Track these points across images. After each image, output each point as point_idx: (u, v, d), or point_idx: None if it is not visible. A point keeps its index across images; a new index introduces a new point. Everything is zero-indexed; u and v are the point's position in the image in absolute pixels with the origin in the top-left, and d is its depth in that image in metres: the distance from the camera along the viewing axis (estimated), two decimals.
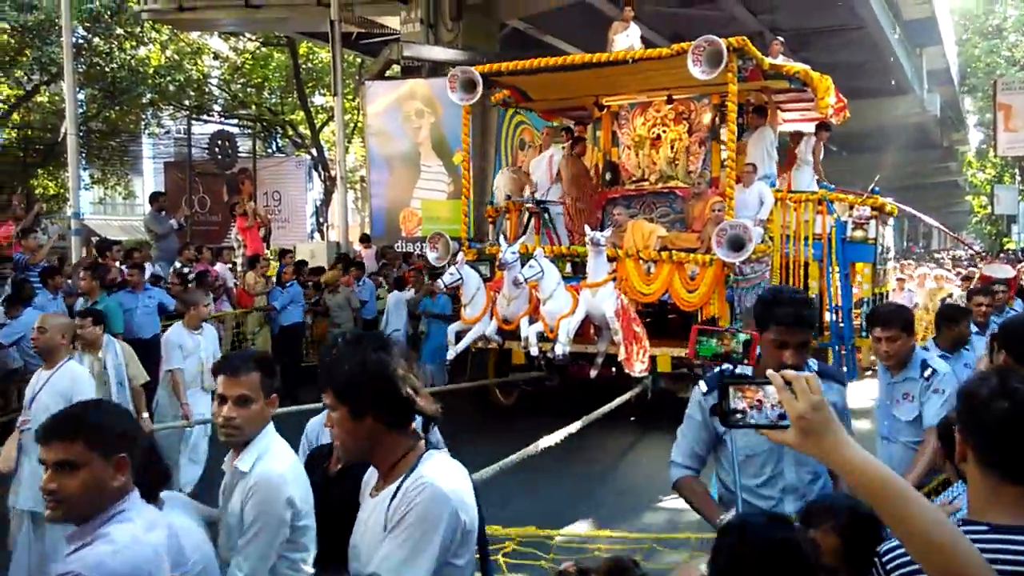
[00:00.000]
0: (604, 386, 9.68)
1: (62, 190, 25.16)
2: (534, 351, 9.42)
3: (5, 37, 23.44)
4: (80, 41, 23.69)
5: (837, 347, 11.22)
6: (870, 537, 2.37)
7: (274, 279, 13.27)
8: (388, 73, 19.16)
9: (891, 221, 13.34)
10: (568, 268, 10.55)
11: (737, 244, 9.28)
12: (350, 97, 27.15)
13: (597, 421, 8.45)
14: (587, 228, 9.56)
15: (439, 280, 9.81)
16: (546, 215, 11.19)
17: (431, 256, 10.43)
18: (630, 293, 9.89)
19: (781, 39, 13.13)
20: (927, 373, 4.65)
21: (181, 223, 15.15)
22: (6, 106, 25.05)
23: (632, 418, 10.68)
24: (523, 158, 12.75)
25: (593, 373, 9.78)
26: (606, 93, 12.02)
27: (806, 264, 11.14)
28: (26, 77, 24.73)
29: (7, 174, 24.15)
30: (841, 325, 11.29)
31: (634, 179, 12.03)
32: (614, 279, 9.72)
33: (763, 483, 3.39)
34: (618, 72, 10.58)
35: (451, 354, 9.86)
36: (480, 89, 10.30)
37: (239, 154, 22.54)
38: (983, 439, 1.91)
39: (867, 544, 2.29)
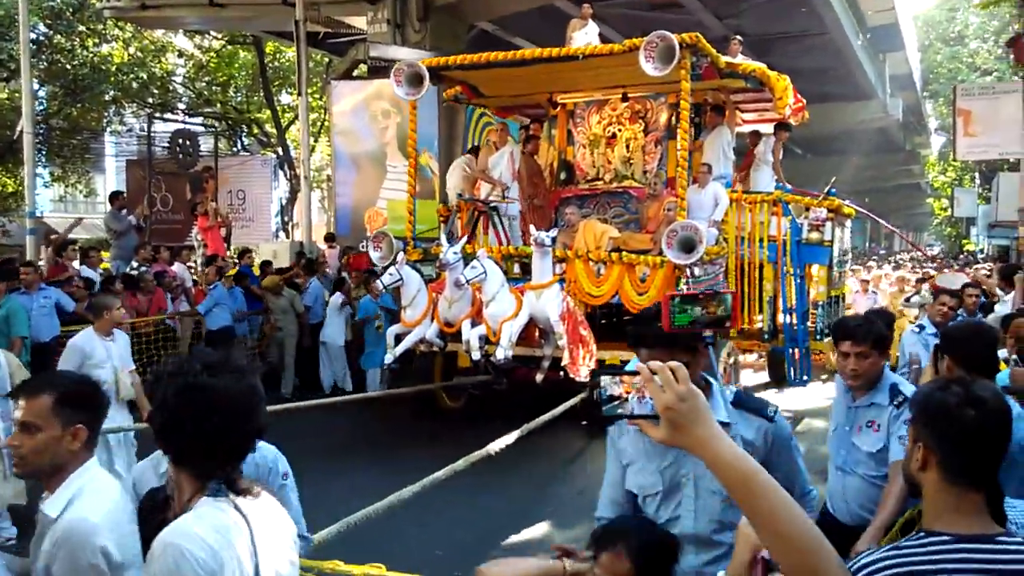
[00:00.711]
0: (554, 390, 9.20)
1: (21, 187, 24.40)
2: (476, 355, 8.91)
3: None
4: (41, 38, 23.08)
5: (791, 350, 10.78)
6: (662, 562, 2.37)
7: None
8: (355, 73, 18.64)
9: (848, 223, 12.91)
10: (516, 269, 10.03)
11: (688, 246, 8.82)
12: (317, 96, 26.52)
13: (549, 425, 8.05)
14: (532, 228, 9.06)
15: (378, 281, 9.23)
16: (495, 214, 10.66)
17: (374, 256, 9.88)
18: (579, 295, 9.40)
19: (740, 38, 12.68)
20: (898, 400, 3.96)
21: (140, 223, 14.66)
22: None
23: (584, 422, 10.22)
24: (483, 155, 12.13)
25: (539, 378, 9.29)
26: (560, 90, 11.53)
27: (761, 266, 10.69)
28: None
29: None
30: (795, 328, 10.85)
31: (588, 178, 11.54)
32: (560, 281, 9.24)
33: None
34: (571, 69, 10.08)
35: (389, 357, 9.31)
36: (427, 84, 9.76)
37: (201, 153, 21.91)
38: (950, 448, 1.90)
39: (658, 569, 2.31)
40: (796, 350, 10.85)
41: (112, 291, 10.94)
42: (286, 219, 28.95)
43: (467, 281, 8.68)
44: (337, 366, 12.23)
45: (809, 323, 11.30)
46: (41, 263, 15.45)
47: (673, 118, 11.00)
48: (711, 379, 2.89)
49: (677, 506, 2.84)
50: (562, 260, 9.47)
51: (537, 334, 9.19)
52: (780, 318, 11.02)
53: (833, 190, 11.64)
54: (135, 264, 12.64)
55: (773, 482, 1.70)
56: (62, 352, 8.92)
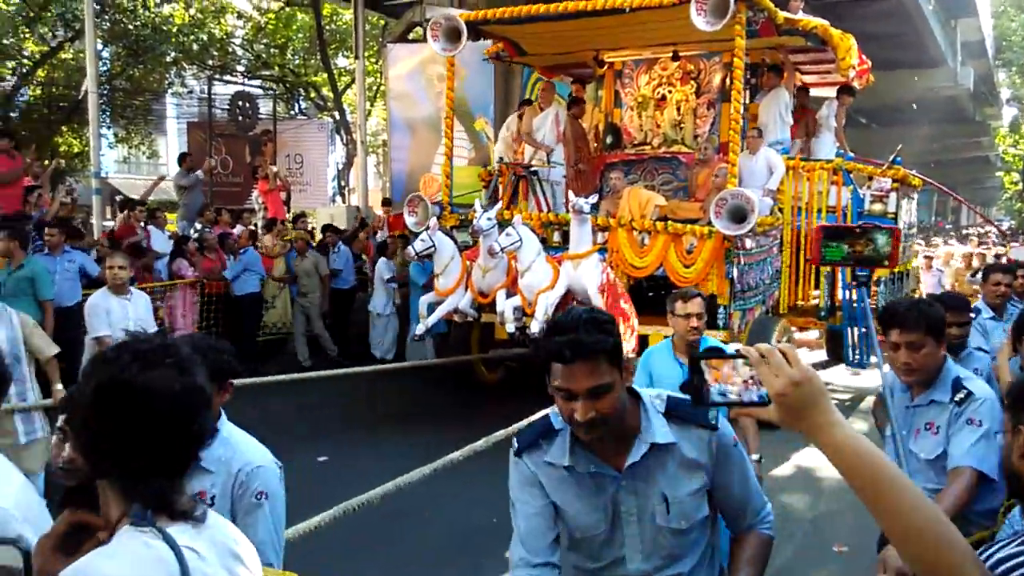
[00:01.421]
0: None
1: (86, 148, 24.29)
2: (511, 327, 8.24)
3: None
4: None
5: (850, 329, 9.91)
6: None
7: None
8: (411, 36, 17.99)
9: (915, 195, 11.89)
10: (557, 237, 9.29)
11: (739, 215, 8.04)
12: (373, 60, 25.92)
13: None
14: (570, 194, 8.32)
15: (409, 247, 8.57)
16: (535, 179, 9.92)
17: (409, 221, 9.22)
18: (622, 266, 8.67)
19: None
20: (960, 395, 3.24)
21: (207, 179, 14.85)
22: (30, 62, 24.05)
23: None
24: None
25: None
26: (607, 48, 10.67)
27: None
28: (50, 33, 23.70)
29: (32, 131, 23.17)
30: (855, 306, 9.97)
31: (636, 143, 10.73)
32: (601, 251, 8.52)
33: (600, 568, 2.35)
34: (618, 24, 9.24)
35: (420, 328, 8.66)
36: (464, 39, 9.03)
37: (260, 116, 21.54)
38: None
39: None
40: (855, 329, 9.97)
41: (184, 251, 10.93)
42: (343, 184, 28.46)
43: (501, 249, 7.99)
44: (376, 336, 11.59)
45: (870, 300, 10.43)
46: (111, 223, 15.49)
47: (728, 79, 10.14)
48: (640, 393, 2.28)
49: (621, 546, 2.31)
50: (604, 229, 8.75)
51: (576, 307, 8.48)
52: (839, 294, 10.17)
53: (899, 159, 10.65)
54: (198, 226, 12.48)
55: (899, 472, 1.51)
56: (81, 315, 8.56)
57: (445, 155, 9.78)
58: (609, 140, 10.93)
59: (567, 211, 9.44)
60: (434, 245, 8.40)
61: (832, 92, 11.40)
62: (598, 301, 7.95)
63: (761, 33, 9.22)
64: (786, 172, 9.65)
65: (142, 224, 11.61)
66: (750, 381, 1.57)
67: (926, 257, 15.14)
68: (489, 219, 8.09)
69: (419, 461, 5.76)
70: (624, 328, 8.12)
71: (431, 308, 8.64)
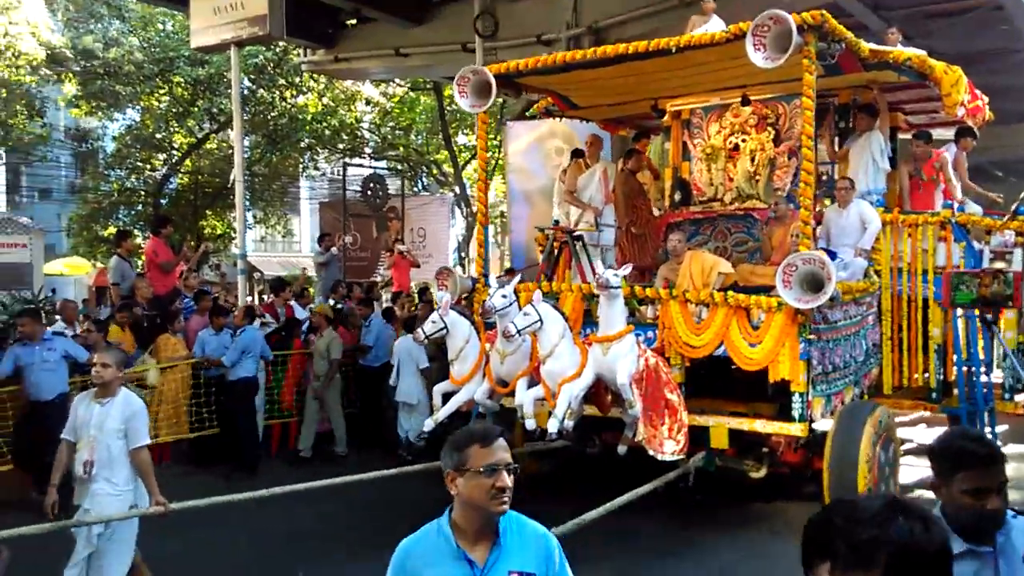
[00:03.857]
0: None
1: (229, 230, 24.40)
2: (530, 424, 6.26)
3: (180, 90, 22.76)
4: (246, 92, 22.82)
5: (968, 414, 7.41)
6: None
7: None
8: (528, 112, 17.05)
9: None
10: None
11: (815, 283, 5.92)
12: (492, 136, 24.87)
13: (647, 499, 5.84)
14: (598, 265, 6.39)
15: (418, 329, 6.74)
16: (579, 244, 7.99)
17: (439, 296, 7.48)
18: (675, 345, 6.62)
19: (896, 28, 9.41)
20: None
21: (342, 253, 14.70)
22: (180, 153, 24.27)
23: (698, 497, 7.44)
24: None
25: (622, 449, 6.53)
26: (666, 95, 8.70)
27: (925, 305, 7.49)
28: (197, 126, 23.90)
29: (181, 215, 23.24)
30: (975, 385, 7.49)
31: (705, 198, 8.67)
32: (649, 327, 6.53)
33: None
34: (671, 68, 7.35)
35: (429, 423, 6.75)
36: (494, 93, 7.32)
37: (389, 194, 20.93)
38: None
39: None
40: (976, 414, 7.47)
41: (313, 326, 9.98)
42: (463, 255, 27.43)
43: (518, 331, 6.06)
44: (414, 422, 9.00)
45: (994, 377, 7.92)
46: (249, 299, 15.06)
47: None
48: None
49: None
50: (653, 301, 6.74)
51: (610, 397, 6.45)
52: (953, 372, 7.73)
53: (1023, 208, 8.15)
54: (331, 301, 11.80)
55: None
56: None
57: (479, 222, 7.97)
58: (678, 197, 8.90)
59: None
60: (446, 327, 6.57)
61: (949, 134, 9.10)
62: (629, 394, 5.93)
63: (844, 68, 7.16)
64: (883, 227, 7.43)
65: (286, 302, 11.21)
66: None
67: None
68: (504, 296, 6.22)
69: None
70: (670, 424, 6.08)
71: (446, 398, 6.78)
